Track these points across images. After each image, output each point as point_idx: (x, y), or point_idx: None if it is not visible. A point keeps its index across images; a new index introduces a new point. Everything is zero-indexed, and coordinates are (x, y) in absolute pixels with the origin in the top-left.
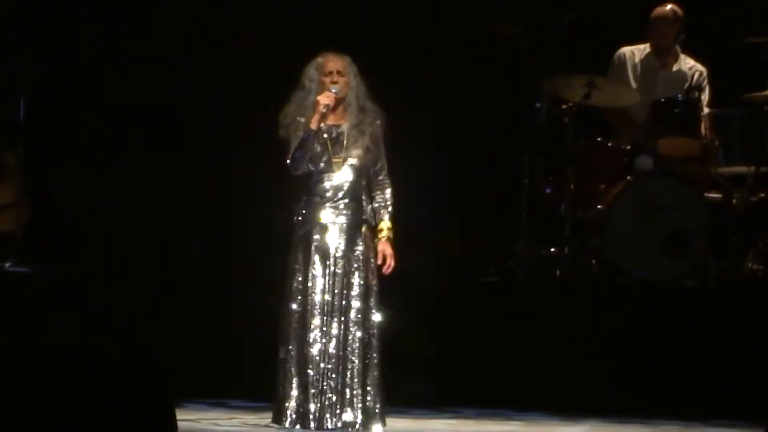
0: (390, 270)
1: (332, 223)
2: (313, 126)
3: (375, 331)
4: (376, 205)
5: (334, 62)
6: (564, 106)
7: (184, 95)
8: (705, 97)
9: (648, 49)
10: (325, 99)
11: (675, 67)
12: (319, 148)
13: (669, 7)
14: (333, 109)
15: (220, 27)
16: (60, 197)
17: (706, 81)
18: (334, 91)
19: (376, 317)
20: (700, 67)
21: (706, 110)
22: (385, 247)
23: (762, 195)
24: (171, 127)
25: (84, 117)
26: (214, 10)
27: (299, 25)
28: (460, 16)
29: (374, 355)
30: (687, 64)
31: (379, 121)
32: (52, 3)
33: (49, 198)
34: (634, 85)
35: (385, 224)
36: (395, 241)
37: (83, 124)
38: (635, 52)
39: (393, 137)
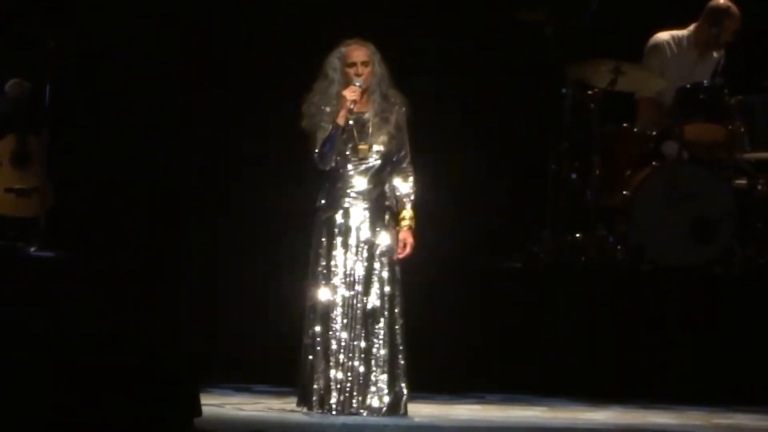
0: (404, 256)
1: (355, 209)
2: (341, 121)
3: (399, 316)
4: (399, 193)
5: (357, 52)
6: (590, 92)
7: (204, 83)
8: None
9: (687, 38)
10: (351, 94)
11: (710, 56)
12: (344, 135)
13: (734, 4)
14: (359, 95)
15: (237, 15)
16: (84, 182)
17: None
18: (358, 84)
19: (400, 306)
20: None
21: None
22: (406, 236)
23: None
24: (192, 113)
25: (107, 103)
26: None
27: (322, 11)
28: (487, 2)
29: (398, 340)
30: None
31: (403, 109)
32: None
33: (73, 183)
34: (669, 73)
35: (407, 213)
36: (417, 230)
37: (107, 110)
38: (672, 40)
39: (418, 123)
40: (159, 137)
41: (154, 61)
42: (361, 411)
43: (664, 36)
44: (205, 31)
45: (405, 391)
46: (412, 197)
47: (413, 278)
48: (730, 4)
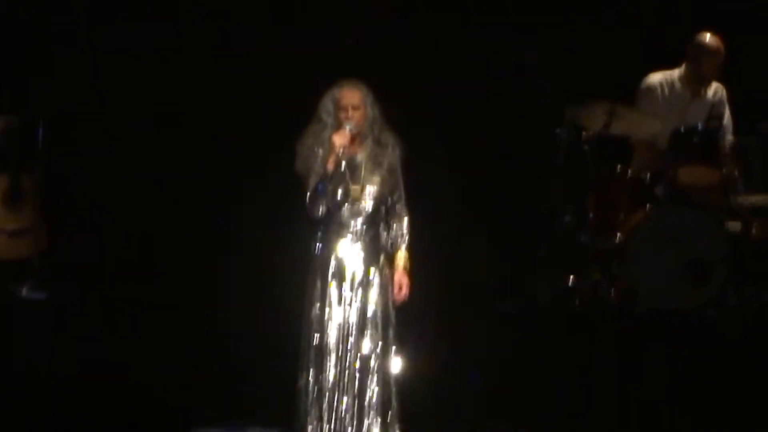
0: (401, 298)
1: (350, 251)
2: (330, 167)
3: (393, 360)
4: (393, 234)
5: (350, 95)
6: (584, 134)
7: (201, 121)
8: (726, 116)
9: (678, 78)
10: (340, 140)
11: (703, 95)
12: (336, 178)
13: (716, 38)
14: (350, 140)
15: (236, 53)
16: (77, 222)
17: (725, 100)
18: (348, 128)
19: (394, 349)
20: (720, 86)
21: (729, 137)
22: (401, 277)
23: None
24: (187, 153)
25: (100, 142)
26: (230, 37)
27: (318, 50)
28: (483, 43)
29: (392, 383)
30: (710, 87)
31: (396, 151)
32: (71, 30)
33: (66, 223)
34: (663, 114)
35: (402, 254)
36: (411, 271)
37: (100, 149)
38: (665, 80)
39: (413, 163)
40: (154, 176)
41: (147, 99)
42: None
43: (656, 77)
44: (199, 68)
45: None
46: (407, 239)
47: (408, 321)
48: (710, 39)
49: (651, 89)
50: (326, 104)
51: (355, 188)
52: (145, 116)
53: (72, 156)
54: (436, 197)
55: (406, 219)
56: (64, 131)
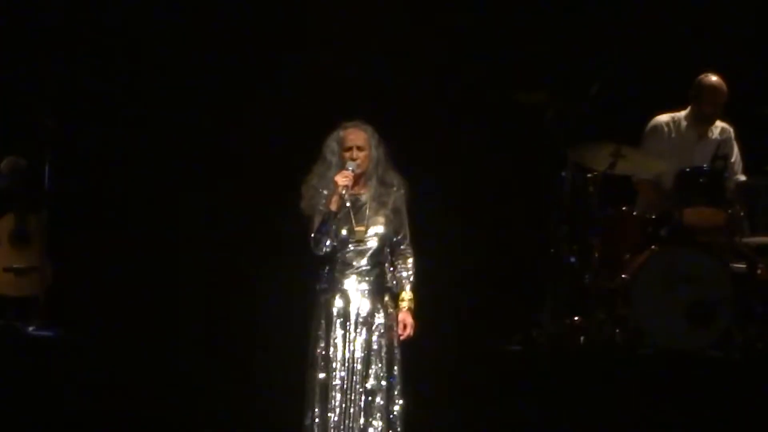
0: (405, 338)
1: (354, 291)
2: (333, 208)
3: (398, 397)
4: (398, 274)
5: (354, 136)
6: (589, 175)
7: (206, 160)
8: (735, 154)
9: (684, 118)
10: (342, 180)
11: (710, 136)
12: (341, 218)
13: (717, 78)
14: (354, 179)
15: (243, 90)
16: (82, 261)
17: (733, 140)
18: (351, 169)
19: (399, 387)
20: (727, 126)
21: (740, 176)
22: (405, 317)
23: None
24: (193, 193)
25: (106, 182)
26: (238, 73)
27: (323, 92)
28: (487, 84)
29: (397, 422)
30: (717, 128)
31: (401, 191)
32: (76, 70)
33: (72, 262)
34: (669, 154)
35: (407, 294)
36: (416, 311)
37: (106, 189)
38: (671, 121)
39: (418, 204)
40: (158, 217)
41: (151, 140)
42: None
43: (663, 118)
44: (203, 108)
45: None
46: (412, 279)
47: (413, 360)
48: (710, 78)
49: (657, 129)
50: (331, 144)
51: (359, 228)
52: (149, 157)
53: (78, 196)
54: (441, 238)
55: (411, 259)
56: (71, 171)
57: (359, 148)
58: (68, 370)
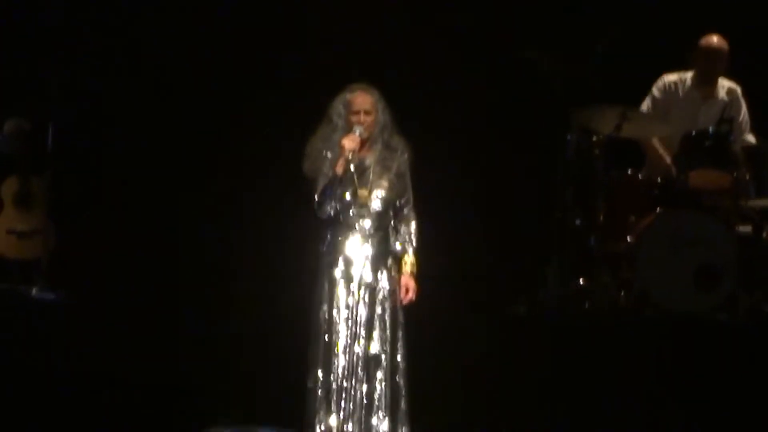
0: (408, 301)
1: (358, 253)
2: (339, 170)
3: (401, 360)
4: (401, 238)
5: (362, 99)
6: (595, 138)
7: (212, 125)
8: (742, 114)
9: (690, 80)
10: (349, 144)
11: (715, 97)
12: (345, 182)
13: (717, 38)
14: (360, 143)
15: (250, 55)
16: (86, 224)
17: (740, 99)
18: (358, 132)
19: (402, 351)
20: (734, 86)
21: (748, 135)
22: (408, 281)
23: None
24: (198, 153)
25: (110, 143)
26: (244, 39)
27: (327, 54)
28: (492, 46)
29: (400, 384)
30: (723, 88)
31: (405, 155)
32: (80, 33)
33: (75, 224)
34: (675, 115)
35: (409, 258)
36: (419, 275)
37: (110, 151)
38: (679, 81)
39: (422, 167)
40: (162, 178)
41: (156, 104)
42: None
43: (669, 77)
44: (208, 73)
45: None
46: (415, 243)
47: (416, 323)
48: (711, 39)
49: (665, 89)
50: (337, 107)
51: (363, 192)
52: (154, 119)
53: (81, 158)
54: (446, 201)
55: (413, 223)
56: (74, 134)
57: (366, 113)
58: (71, 333)
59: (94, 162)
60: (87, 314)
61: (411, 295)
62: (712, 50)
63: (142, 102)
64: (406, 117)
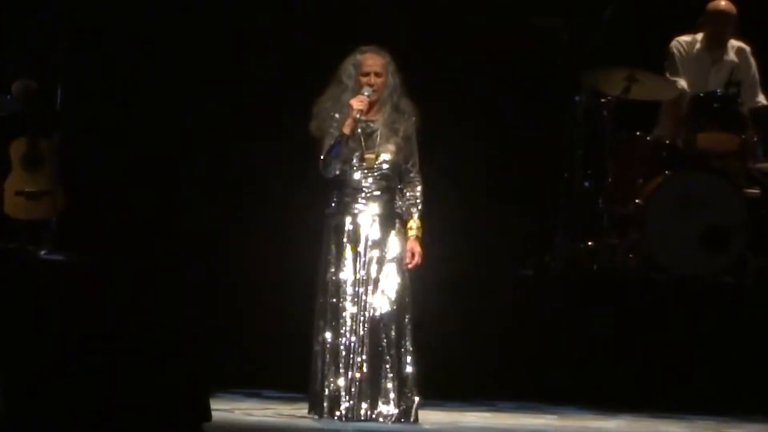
0: (413, 265)
1: (365, 215)
2: (346, 131)
3: (409, 322)
4: (407, 201)
5: (372, 61)
6: (603, 100)
7: (214, 87)
8: (751, 74)
9: (700, 42)
10: (358, 104)
11: (725, 59)
12: (352, 144)
13: (725, 2)
14: (369, 105)
15: (250, 19)
16: (95, 185)
17: (750, 59)
18: (367, 94)
19: (410, 313)
20: (744, 46)
21: (759, 96)
22: (413, 245)
23: None
24: (201, 116)
25: (119, 107)
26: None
27: (338, 16)
28: (501, 7)
29: (409, 347)
30: (733, 49)
31: (413, 119)
32: None
33: (84, 186)
34: (687, 76)
35: (415, 222)
36: (427, 237)
37: (119, 114)
38: (689, 44)
39: (432, 130)
40: (169, 141)
41: (165, 64)
42: (372, 417)
43: (681, 39)
44: (216, 33)
45: (416, 398)
46: (420, 206)
47: (424, 285)
48: (723, 4)
49: (676, 51)
50: (347, 68)
51: (369, 155)
52: (162, 80)
53: (90, 119)
54: (455, 163)
55: (419, 187)
56: (83, 95)
57: (377, 75)
58: (79, 294)
59: (102, 123)
60: (95, 275)
61: (417, 259)
62: (720, 13)
63: (151, 63)
64: (414, 79)
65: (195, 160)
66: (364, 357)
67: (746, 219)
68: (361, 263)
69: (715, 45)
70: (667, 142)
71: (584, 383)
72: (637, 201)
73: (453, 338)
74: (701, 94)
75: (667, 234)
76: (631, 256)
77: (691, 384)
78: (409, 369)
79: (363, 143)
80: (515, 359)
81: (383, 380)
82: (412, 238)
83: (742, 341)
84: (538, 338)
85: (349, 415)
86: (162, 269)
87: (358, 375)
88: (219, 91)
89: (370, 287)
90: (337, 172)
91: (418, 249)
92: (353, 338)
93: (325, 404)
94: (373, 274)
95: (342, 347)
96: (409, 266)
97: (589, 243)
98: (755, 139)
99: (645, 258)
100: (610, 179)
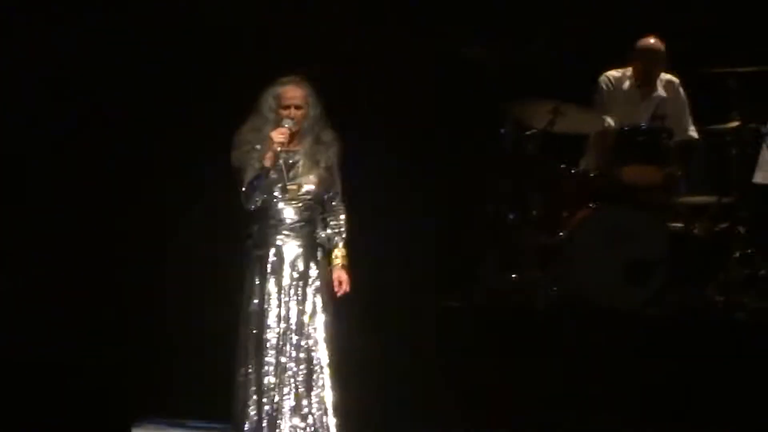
0: (342, 294)
1: (288, 246)
2: (267, 164)
3: (333, 354)
4: (330, 231)
5: (293, 93)
6: (528, 133)
7: (141, 120)
8: (681, 106)
9: (629, 78)
10: (278, 136)
11: (653, 95)
12: (274, 175)
13: (654, 39)
14: (290, 136)
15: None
16: (25, 209)
17: (679, 90)
18: (287, 126)
19: (333, 344)
20: (672, 79)
21: (689, 128)
22: (340, 274)
23: (723, 225)
24: (132, 148)
25: (50, 134)
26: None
27: (264, 46)
28: (429, 39)
29: (333, 377)
30: (661, 83)
31: (333, 148)
32: (57, 9)
33: (13, 213)
34: (616, 111)
35: (340, 251)
36: (351, 267)
37: (50, 141)
38: (618, 79)
39: (355, 160)
40: (99, 170)
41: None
42: None
43: (612, 74)
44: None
45: (340, 430)
46: (344, 235)
47: (348, 315)
48: (648, 40)
49: (605, 85)
50: (268, 99)
51: (292, 187)
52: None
53: (22, 144)
54: (380, 193)
55: (343, 215)
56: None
57: (297, 107)
58: (6, 321)
59: (36, 147)
60: (23, 302)
61: (345, 287)
62: (649, 51)
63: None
64: (338, 107)
65: (120, 187)
66: (287, 388)
67: (669, 252)
68: (285, 294)
69: (645, 81)
70: (593, 174)
71: (505, 416)
72: (561, 233)
73: (378, 368)
74: (626, 128)
75: (590, 266)
76: (554, 288)
77: (611, 412)
78: (331, 400)
79: (285, 174)
80: (438, 389)
81: (307, 409)
82: (338, 266)
83: (662, 373)
84: (463, 369)
85: None
86: (89, 295)
87: (281, 406)
88: (142, 126)
89: (295, 319)
90: (259, 204)
91: (345, 277)
92: (276, 370)
93: None
94: (297, 307)
95: (264, 378)
96: (338, 294)
97: (514, 276)
98: (679, 173)
99: (568, 290)
100: (535, 212)
